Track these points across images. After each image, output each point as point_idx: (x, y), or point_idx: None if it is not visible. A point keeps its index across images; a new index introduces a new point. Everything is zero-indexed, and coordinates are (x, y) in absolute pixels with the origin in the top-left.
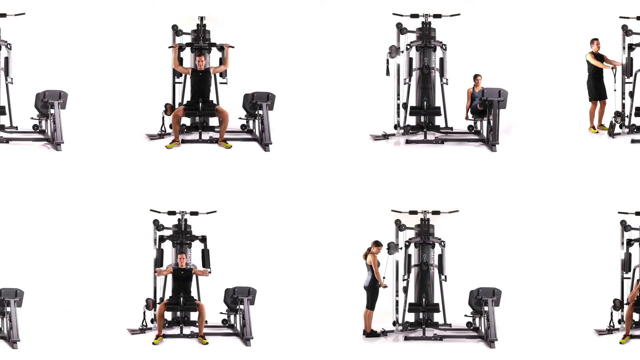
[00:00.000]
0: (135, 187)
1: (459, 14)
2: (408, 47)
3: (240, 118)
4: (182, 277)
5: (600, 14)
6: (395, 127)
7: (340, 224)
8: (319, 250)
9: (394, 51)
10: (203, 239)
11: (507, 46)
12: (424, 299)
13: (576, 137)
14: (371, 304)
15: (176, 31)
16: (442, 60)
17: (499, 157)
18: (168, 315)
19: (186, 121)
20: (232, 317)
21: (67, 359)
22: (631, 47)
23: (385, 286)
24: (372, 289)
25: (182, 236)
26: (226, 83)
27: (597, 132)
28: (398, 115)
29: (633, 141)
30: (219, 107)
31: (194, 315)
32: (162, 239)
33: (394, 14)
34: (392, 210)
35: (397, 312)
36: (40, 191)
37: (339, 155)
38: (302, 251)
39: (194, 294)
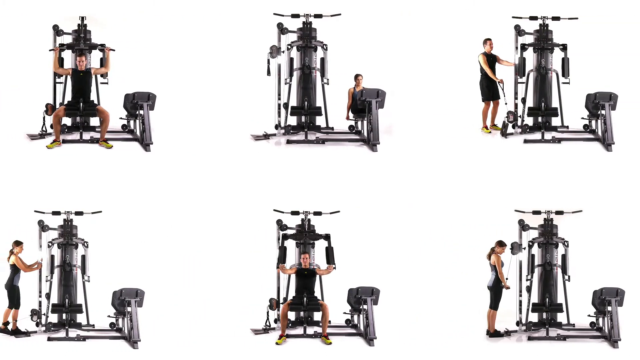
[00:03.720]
0: (18, 187)
1: (339, 14)
2: (289, 47)
3: (121, 118)
4: (306, 277)
5: (492, 14)
6: (276, 127)
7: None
8: (438, 250)
9: (274, 51)
10: (327, 237)
11: (391, 46)
12: (547, 299)
13: (469, 137)
14: (495, 304)
15: (57, 31)
16: (323, 60)
17: (379, 157)
18: (291, 315)
19: (67, 121)
20: (355, 317)
21: (188, 359)
22: (524, 47)
23: (509, 287)
24: (496, 289)
25: (305, 235)
26: (107, 83)
27: (490, 132)
28: (279, 115)
29: (526, 141)
30: (99, 107)
31: (317, 315)
32: (285, 238)
33: (274, 13)
34: (516, 211)
35: (520, 312)
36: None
37: (220, 155)
38: (422, 251)
39: (317, 293)
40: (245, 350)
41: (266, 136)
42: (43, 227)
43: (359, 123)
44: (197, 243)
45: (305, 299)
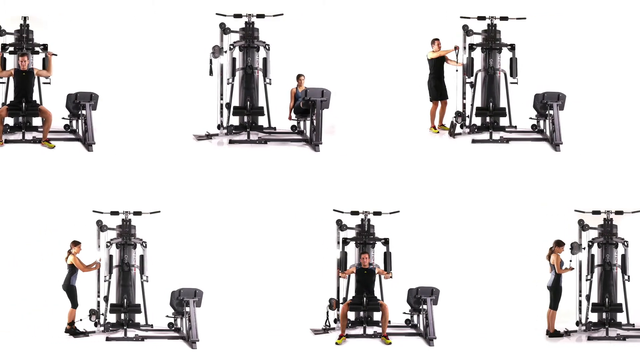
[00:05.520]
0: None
1: (282, 14)
2: (231, 47)
3: (63, 118)
4: (365, 277)
5: (440, 14)
6: (219, 127)
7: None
8: (494, 251)
9: (217, 51)
10: (386, 242)
11: (334, 46)
12: (607, 299)
13: (416, 137)
14: (554, 304)
15: None
16: (265, 60)
17: (322, 157)
18: (351, 315)
19: (9, 121)
20: (415, 317)
21: (247, 359)
22: (472, 47)
23: (572, 268)
24: (555, 289)
25: (365, 237)
26: (49, 83)
27: (438, 132)
28: (221, 115)
29: (474, 141)
30: (42, 107)
31: (377, 315)
32: (345, 240)
33: (217, 13)
34: (576, 210)
35: (580, 312)
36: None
37: (163, 155)
38: (476, 252)
39: (377, 293)
40: (305, 350)
41: (208, 136)
42: (101, 227)
43: (302, 123)
44: (256, 243)
45: (364, 299)
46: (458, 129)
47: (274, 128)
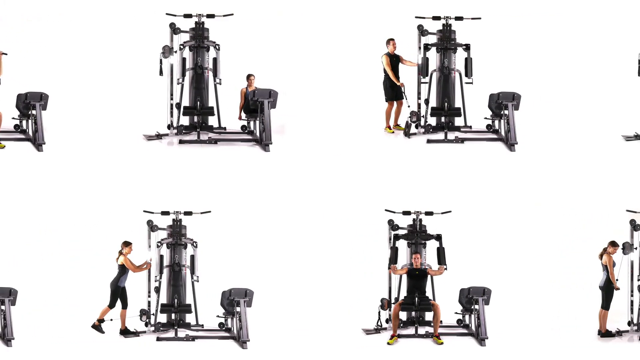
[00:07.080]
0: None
1: (232, 14)
2: (181, 47)
3: (13, 118)
4: (417, 277)
5: (395, 13)
6: (169, 127)
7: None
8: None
9: (167, 51)
10: (438, 237)
11: (285, 46)
12: None
13: (371, 137)
14: (606, 304)
15: None
16: (215, 60)
17: (272, 157)
18: (403, 315)
19: None
20: (467, 317)
21: (299, 359)
22: (427, 47)
23: (619, 288)
24: (607, 288)
25: (416, 235)
26: None
27: (393, 132)
28: (171, 115)
29: (429, 141)
30: None
31: (428, 315)
32: (396, 238)
33: (167, 13)
34: (627, 210)
35: (632, 312)
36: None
37: (112, 155)
38: (531, 251)
39: (428, 293)
40: (356, 350)
41: (158, 136)
42: (152, 227)
43: (252, 123)
44: (307, 243)
45: (416, 299)
46: (413, 129)
47: (224, 128)
